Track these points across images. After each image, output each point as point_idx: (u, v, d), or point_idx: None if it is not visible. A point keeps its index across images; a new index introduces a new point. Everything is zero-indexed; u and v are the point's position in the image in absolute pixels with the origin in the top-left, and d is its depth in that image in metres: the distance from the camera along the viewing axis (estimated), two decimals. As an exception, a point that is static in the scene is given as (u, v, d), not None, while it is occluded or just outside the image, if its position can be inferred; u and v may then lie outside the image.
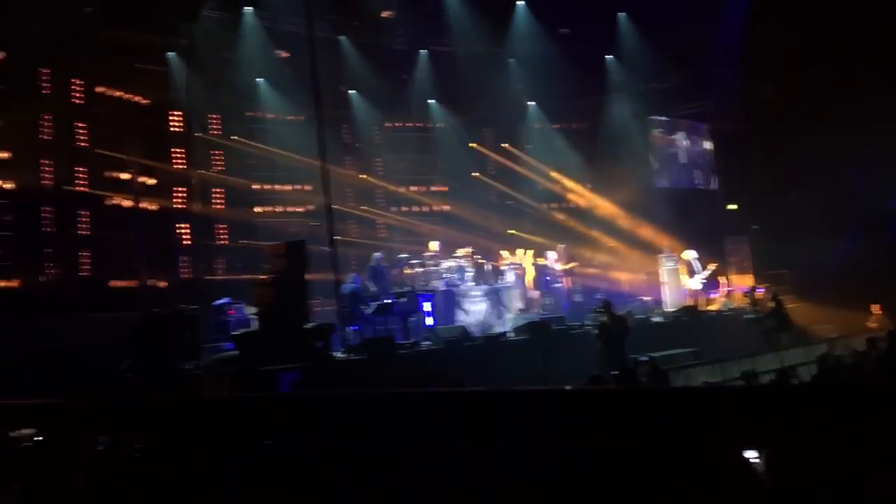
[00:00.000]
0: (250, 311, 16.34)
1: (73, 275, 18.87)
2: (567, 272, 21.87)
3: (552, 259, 21.71)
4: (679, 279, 22.42)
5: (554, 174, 27.10)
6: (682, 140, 27.15)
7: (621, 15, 25.77)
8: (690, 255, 22.06)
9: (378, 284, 18.14)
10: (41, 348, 14.63)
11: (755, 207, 24.41)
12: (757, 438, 2.01)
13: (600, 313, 15.95)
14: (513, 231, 25.46)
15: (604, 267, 24.78)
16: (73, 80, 19.56)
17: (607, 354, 15.11)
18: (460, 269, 19.56)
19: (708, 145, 27.56)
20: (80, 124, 19.63)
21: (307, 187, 22.53)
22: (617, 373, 12.10)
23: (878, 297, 20.72)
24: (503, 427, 2.69)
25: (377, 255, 19.14)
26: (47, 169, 18.72)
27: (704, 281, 21.91)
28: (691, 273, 21.92)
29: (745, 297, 21.69)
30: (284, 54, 22.93)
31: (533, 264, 21.59)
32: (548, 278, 21.45)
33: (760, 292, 20.86)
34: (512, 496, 3.43)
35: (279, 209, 23.33)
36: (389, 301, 16.90)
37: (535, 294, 21.45)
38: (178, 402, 4.55)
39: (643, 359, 14.34)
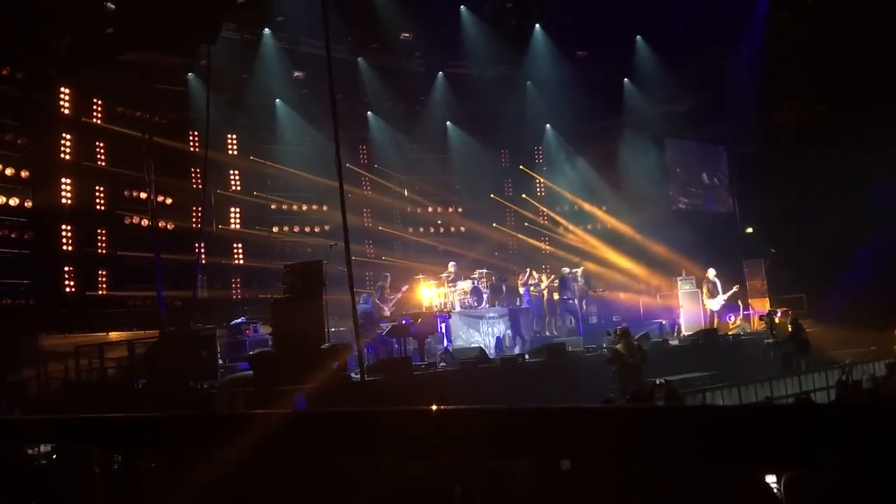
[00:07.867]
0: (266, 330, 16.38)
1: (91, 292, 18.95)
2: (585, 294, 21.80)
3: (573, 281, 21.66)
4: (697, 302, 22.34)
5: (570, 196, 27.13)
6: (699, 163, 27.09)
7: (639, 38, 25.78)
8: (712, 273, 22.01)
9: (388, 304, 18.32)
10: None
11: (772, 230, 24.27)
12: (778, 460, 1.98)
13: (614, 340, 15.84)
14: (535, 247, 25.49)
15: (620, 289, 24.64)
16: (93, 101, 19.76)
17: (623, 379, 14.97)
18: (476, 290, 19.52)
19: (724, 168, 27.48)
20: (100, 143, 19.80)
21: (324, 207, 22.55)
22: (629, 396, 11.98)
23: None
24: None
25: (385, 274, 19.48)
26: (66, 188, 18.86)
27: (724, 302, 21.83)
28: (713, 293, 21.81)
29: (762, 320, 21.52)
30: (302, 75, 23.09)
31: (548, 286, 21.62)
32: (567, 299, 21.35)
33: (778, 316, 20.67)
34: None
35: (296, 229, 23.36)
36: (405, 322, 16.87)
37: (551, 316, 21.48)
38: (193, 420, 4.54)
39: (659, 381, 14.22)
